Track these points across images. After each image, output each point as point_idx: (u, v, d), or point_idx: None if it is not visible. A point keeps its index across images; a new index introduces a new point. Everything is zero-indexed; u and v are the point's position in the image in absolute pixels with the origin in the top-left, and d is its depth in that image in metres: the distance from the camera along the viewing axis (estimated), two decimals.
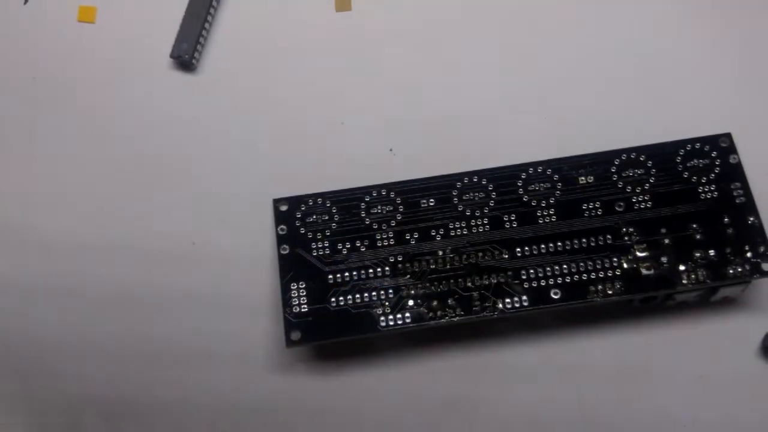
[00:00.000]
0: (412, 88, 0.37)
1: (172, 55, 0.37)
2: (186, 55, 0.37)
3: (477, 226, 0.32)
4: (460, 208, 0.32)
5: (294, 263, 0.31)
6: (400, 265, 0.31)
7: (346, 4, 0.38)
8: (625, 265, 0.30)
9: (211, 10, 0.38)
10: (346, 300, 0.31)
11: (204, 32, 0.38)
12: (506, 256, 0.31)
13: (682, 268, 0.30)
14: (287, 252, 0.32)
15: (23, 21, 0.39)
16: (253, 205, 0.35)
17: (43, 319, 0.34)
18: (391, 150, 0.36)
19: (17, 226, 0.36)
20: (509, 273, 0.31)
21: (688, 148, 0.32)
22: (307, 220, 0.32)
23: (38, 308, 0.34)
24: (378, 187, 0.33)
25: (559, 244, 0.31)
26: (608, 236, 0.31)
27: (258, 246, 0.34)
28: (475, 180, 0.32)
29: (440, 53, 0.38)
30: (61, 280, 0.34)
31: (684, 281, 0.30)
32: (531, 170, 0.32)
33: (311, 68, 0.38)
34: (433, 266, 0.31)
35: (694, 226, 0.31)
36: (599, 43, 0.37)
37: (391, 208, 0.32)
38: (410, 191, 0.33)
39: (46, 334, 0.34)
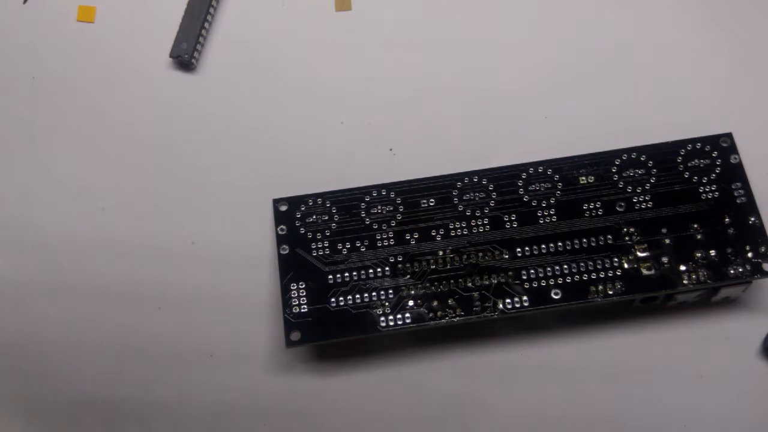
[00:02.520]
0: (412, 87, 0.37)
1: (171, 55, 0.37)
2: (185, 54, 0.37)
3: (477, 226, 0.32)
4: (461, 208, 0.32)
5: (294, 263, 0.31)
6: (400, 266, 0.31)
7: (346, 3, 0.38)
8: (625, 265, 0.30)
9: (211, 10, 0.38)
10: (346, 300, 0.31)
11: (203, 32, 0.38)
12: (507, 256, 0.31)
13: (682, 268, 0.30)
14: (287, 252, 0.32)
15: (23, 21, 0.39)
16: (253, 204, 0.35)
17: (43, 319, 0.34)
18: (391, 150, 0.36)
19: (17, 226, 0.35)
20: (510, 273, 0.31)
21: (689, 148, 0.32)
22: (307, 221, 0.32)
23: (38, 308, 0.34)
24: (378, 187, 0.33)
25: (560, 244, 0.31)
26: (609, 236, 0.31)
27: (258, 246, 0.34)
28: (475, 180, 0.32)
29: (440, 53, 0.37)
30: (61, 280, 0.34)
31: (685, 281, 0.30)
32: (531, 170, 0.32)
33: (311, 68, 0.38)
34: (433, 266, 0.31)
35: (695, 226, 0.31)
36: (599, 42, 0.37)
37: (391, 208, 0.32)
38: (410, 191, 0.33)
39: (46, 334, 0.34)
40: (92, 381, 0.33)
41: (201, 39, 0.37)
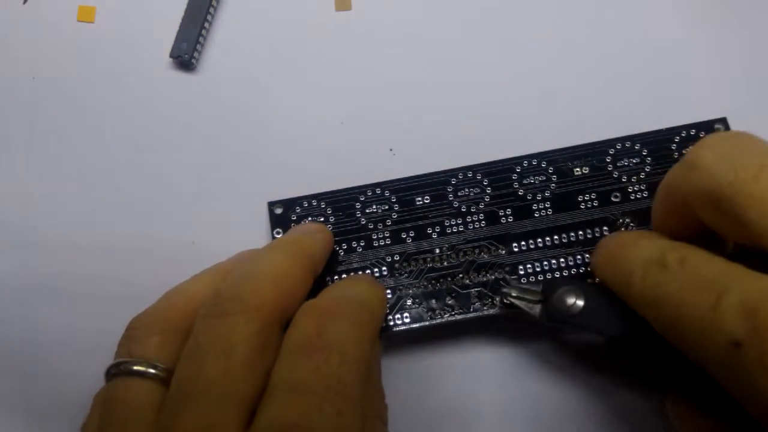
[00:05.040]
0: (412, 87, 0.37)
1: (171, 55, 0.37)
2: (186, 54, 0.37)
3: (473, 222, 0.31)
4: (456, 204, 0.32)
5: None
6: (397, 265, 0.31)
7: (345, 3, 0.38)
8: None
9: (211, 10, 0.38)
10: None
11: (204, 32, 0.38)
12: (503, 252, 0.31)
13: None
14: None
15: (23, 21, 0.40)
16: (253, 204, 0.34)
17: (43, 319, 0.34)
18: (391, 150, 0.36)
19: (17, 226, 0.36)
20: (507, 268, 0.30)
21: (683, 135, 0.32)
22: (303, 223, 0.32)
23: (38, 308, 0.34)
24: (372, 186, 0.33)
25: (556, 237, 0.31)
26: (605, 227, 0.31)
27: (258, 246, 0.34)
28: (469, 175, 0.32)
29: (440, 52, 0.37)
30: (61, 280, 0.34)
31: None
32: (526, 163, 0.32)
33: (311, 68, 0.38)
34: (430, 265, 0.31)
35: None
36: (599, 41, 0.37)
37: (387, 207, 0.32)
38: (405, 189, 0.32)
39: (46, 334, 0.34)
40: (92, 381, 0.33)
41: (201, 39, 0.37)
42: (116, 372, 0.26)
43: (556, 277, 0.30)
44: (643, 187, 0.31)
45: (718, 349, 0.20)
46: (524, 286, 0.30)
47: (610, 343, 0.27)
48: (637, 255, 0.24)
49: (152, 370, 0.25)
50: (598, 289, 0.27)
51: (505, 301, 0.30)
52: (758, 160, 0.21)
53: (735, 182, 0.21)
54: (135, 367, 0.26)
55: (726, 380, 0.21)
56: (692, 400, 0.25)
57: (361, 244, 0.32)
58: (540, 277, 0.30)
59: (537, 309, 0.29)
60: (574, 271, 0.30)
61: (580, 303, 0.27)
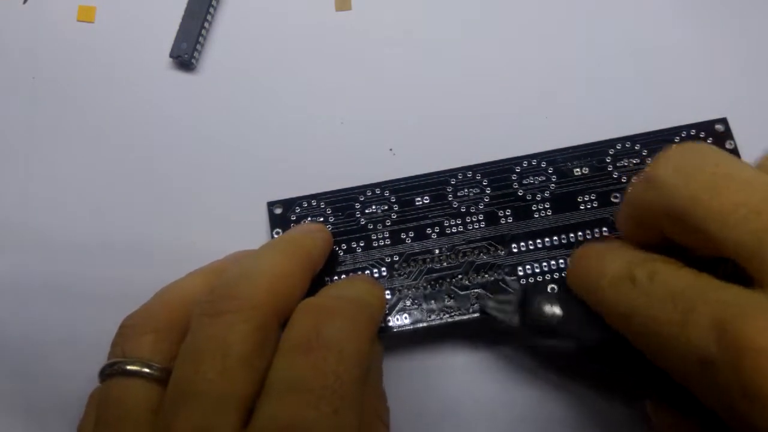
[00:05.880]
0: (412, 87, 0.37)
1: (171, 55, 0.37)
2: (185, 54, 0.37)
3: (472, 222, 0.31)
4: (455, 204, 0.32)
5: None
6: (396, 265, 0.31)
7: (346, 3, 0.38)
8: None
9: (211, 10, 0.38)
10: None
11: (203, 32, 0.38)
12: (502, 253, 0.31)
13: None
14: None
15: (23, 21, 0.39)
16: (253, 204, 0.34)
17: (43, 319, 0.34)
18: (391, 150, 0.36)
19: (17, 226, 0.36)
20: (506, 269, 0.30)
21: (683, 135, 0.32)
22: (303, 223, 0.32)
23: (38, 308, 0.34)
24: (372, 187, 0.33)
25: (555, 238, 0.31)
26: (605, 228, 0.31)
27: (257, 246, 0.34)
28: (469, 175, 0.32)
29: (440, 52, 0.37)
30: (61, 280, 0.34)
31: None
32: (525, 163, 0.32)
33: (311, 68, 0.38)
34: (429, 265, 0.31)
35: None
36: (600, 41, 0.37)
37: (386, 207, 0.32)
38: (405, 189, 0.32)
39: (46, 334, 0.34)
40: (92, 381, 0.33)
41: (201, 39, 0.37)
42: (111, 372, 0.26)
43: (535, 286, 0.30)
44: None
45: (689, 367, 0.20)
46: (502, 297, 0.30)
47: (587, 351, 0.27)
48: (606, 269, 0.24)
49: (147, 370, 0.25)
50: (575, 297, 0.27)
51: (484, 311, 0.30)
52: (710, 169, 0.21)
53: (693, 196, 0.21)
54: (129, 367, 0.26)
55: (702, 396, 0.21)
56: (672, 404, 0.25)
57: (361, 244, 0.32)
58: (539, 279, 0.30)
59: (516, 319, 0.29)
60: None
61: (558, 311, 0.27)
